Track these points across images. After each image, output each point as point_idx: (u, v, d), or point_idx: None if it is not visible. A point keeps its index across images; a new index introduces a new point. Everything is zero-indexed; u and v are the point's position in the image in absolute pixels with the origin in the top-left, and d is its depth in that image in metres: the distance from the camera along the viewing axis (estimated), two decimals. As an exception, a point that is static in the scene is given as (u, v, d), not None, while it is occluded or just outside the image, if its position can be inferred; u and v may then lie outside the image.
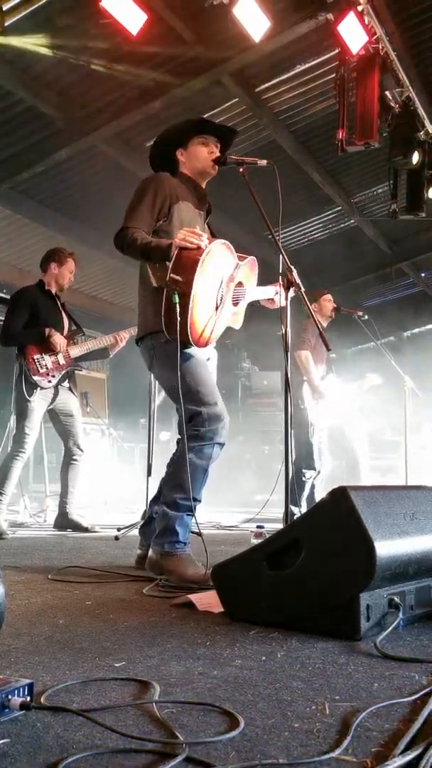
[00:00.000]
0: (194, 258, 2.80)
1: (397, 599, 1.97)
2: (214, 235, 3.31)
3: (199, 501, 3.02)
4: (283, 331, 3.10)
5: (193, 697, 1.41)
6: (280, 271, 3.10)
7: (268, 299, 3.40)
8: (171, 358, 2.93)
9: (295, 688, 1.48)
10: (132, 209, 3.01)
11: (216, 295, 3.00)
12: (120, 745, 1.16)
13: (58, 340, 4.91)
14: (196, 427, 2.95)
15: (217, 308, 3.01)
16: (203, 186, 3.25)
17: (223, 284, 3.04)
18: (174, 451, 3.10)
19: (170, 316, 2.81)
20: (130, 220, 2.99)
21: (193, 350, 2.98)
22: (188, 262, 2.80)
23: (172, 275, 2.79)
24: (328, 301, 5.85)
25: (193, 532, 3.02)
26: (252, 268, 3.28)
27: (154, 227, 3.04)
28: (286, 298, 3.11)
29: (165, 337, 2.92)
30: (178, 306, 2.77)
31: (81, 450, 5.16)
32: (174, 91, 5.95)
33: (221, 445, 2.99)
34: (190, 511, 2.96)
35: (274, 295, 3.37)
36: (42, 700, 1.36)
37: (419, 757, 1.09)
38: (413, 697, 1.41)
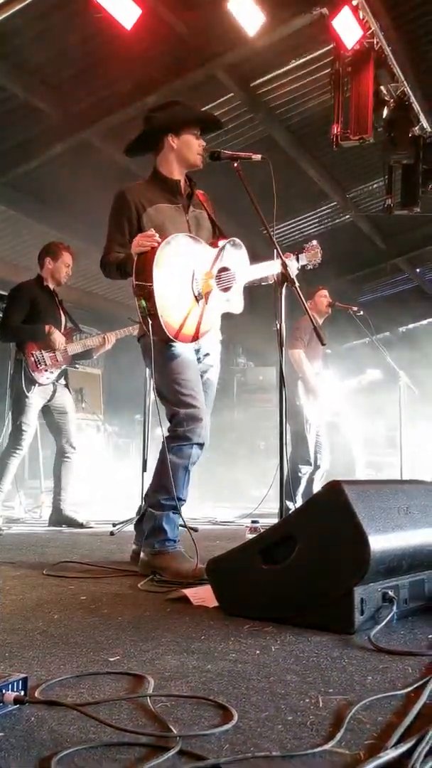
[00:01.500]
0: (149, 259, 2.84)
1: (391, 593, 1.97)
2: (212, 216, 3.28)
3: (184, 500, 3.03)
4: (278, 327, 3.10)
5: (187, 690, 1.42)
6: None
7: (277, 274, 3.22)
8: (158, 358, 2.98)
9: (288, 681, 1.48)
10: (107, 237, 3.13)
11: (189, 287, 2.98)
12: (114, 739, 1.16)
13: (58, 337, 4.91)
14: (174, 427, 2.99)
15: (197, 300, 3.00)
16: (179, 177, 3.19)
17: (196, 274, 3.01)
18: (161, 449, 3.11)
19: (145, 322, 2.88)
20: (105, 249, 3.12)
21: (178, 349, 2.98)
22: (145, 264, 2.85)
23: (135, 283, 2.85)
24: (323, 297, 5.86)
25: (186, 527, 3.03)
26: (238, 248, 3.22)
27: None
28: (281, 294, 3.11)
29: (150, 337, 2.94)
30: (147, 310, 2.84)
31: (73, 448, 5.16)
32: (168, 86, 5.93)
33: (200, 445, 3.00)
34: (174, 509, 2.97)
35: (279, 268, 3.18)
36: (36, 694, 1.36)
37: (412, 750, 1.10)
38: (406, 690, 1.41)
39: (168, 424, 3.02)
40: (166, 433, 3.00)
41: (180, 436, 2.96)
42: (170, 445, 2.97)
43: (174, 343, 2.94)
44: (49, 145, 6.70)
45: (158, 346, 2.94)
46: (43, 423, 5.33)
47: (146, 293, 2.82)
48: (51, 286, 5.11)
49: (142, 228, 3.03)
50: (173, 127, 3.16)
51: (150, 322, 2.84)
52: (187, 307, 2.96)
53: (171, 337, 2.89)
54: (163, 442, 3.02)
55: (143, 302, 2.82)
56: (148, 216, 3.07)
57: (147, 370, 4.57)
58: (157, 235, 2.86)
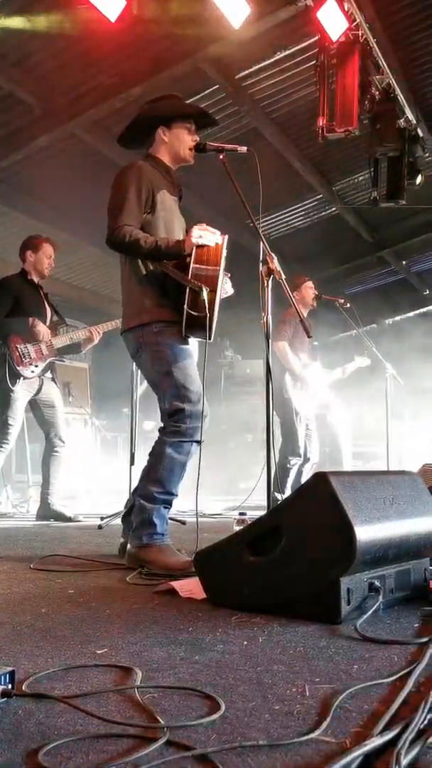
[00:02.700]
0: (216, 253, 2.86)
1: (377, 583, 1.99)
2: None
3: (176, 495, 3.03)
4: (264, 320, 3.11)
5: (174, 682, 1.42)
6: (261, 258, 3.10)
7: None
8: (164, 350, 2.95)
9: (276, 671, 1.49)
10: (120, 204, 2.92)
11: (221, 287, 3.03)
12: (101, 731, 1.16)
13: (42, 329, 4.89)
14: (177, 423, 2.95)
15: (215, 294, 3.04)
16: (174, 171, 3.20)
17: (222, 275, 3.06)
18: (155, 441, 3.08)
19: (197, 310, 2.83)
20: (122, 216, 2.90)
21: (186, 345, 2.98)
22: (210, 257, 2.85)
23: (195, 272, 2.83)
24: (309, 289, 5.86)
25: (176, 520, 3.03)
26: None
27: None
28: (267, 286, 3.11)
29: (155, 327, 2.93)
30: (206, 302, 2.80)
31: (62, 441, 5.14)
32: (154, 78, 5.89)
33: (199, 442, 2.99)
34: (166, 504, 2.97)
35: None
36: (23, 687, 1.37)
37: (397, 737, 1.11)
38: (392, 678, 1.43)
39: (167, 419, 2.99)
40: (168, 428, 2.97)
41: (182, 432, 2.94)
42: (170, 440, 2.94)
43: (188, 340, 2.95)
44: (33, 138, 6.64)
45: (173, 341, 2.94)
46: (30, 417, 5.31)
47: (212, 287, 2.83)
48: (35, 279, 5.09)
49: (156, 209, 3.00)
50: (165, 120, 3.13)
51: (196, 313, 2.83)
52: (218, 306, 2.99)
53: (208, 335, 2.91)
54: (160, 436, 3.01)
55: (205, 294, 2.80)
56: (161, 198, 3.04)
57: (134, 363, 4.56)
58: (218, 232, 2.89)
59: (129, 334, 3.10)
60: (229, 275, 3.27)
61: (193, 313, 2.83)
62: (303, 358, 5.84)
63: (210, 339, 2.99)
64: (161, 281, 2.98)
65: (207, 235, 2.86)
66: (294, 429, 5.65)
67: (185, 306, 2.84)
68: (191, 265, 2.84)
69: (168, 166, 3.17)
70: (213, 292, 2.83)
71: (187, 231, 2.98)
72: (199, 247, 2.85)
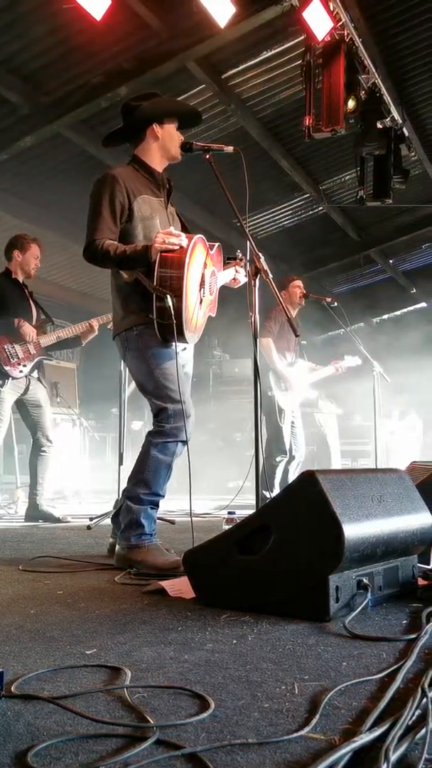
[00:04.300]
0: (180, 258, 2.82)
1: (365, 580, 2.00)
2: (179, 215, 3.31)
3: (163, 496, 3.03)
4: (252, 319, 3.11)
5: (164, 681, 1.42)
6: (248, 257, 3.11)
7: (232, 279, 3.43)
8: (145, 352, 2.96)
9: (265, 669, 1.50)
10: (94, 218, 2.95)
11: (198, 290, 3.02)
12: (91, 731, 1.16)
13: (28, 330, 4.87)
14: (161, 423, 2.96)
15: (201, 302, 3.04)
16: (160, 170, 3.18)
17: (205, 278, 3.06)
18: (144, 442, 3.09)
19: (163, 317, 2.82)
20: (95, 231, 2.92)
21: (173, 349, 2.98)
22: (174, 262, 2.82)
23: (160, 277, 2.81)
24: (297, 288, 5.87)
25: (165, 520, 3.03)
26: (219, 253, 3.30)
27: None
28: (254, 285, 3.11)
29: (136, 330, 2.94)
30: (172, 309, 2.78)
31: (50, 441, 5.13)
32: (140, 78, 5.88)
33: (184, 442, 2.99)
34: (153, 504, 2.97)
35: (235, 274, 3.41)
36: (12, 689, 1.36)
37: (386, 733, 1.11)
38: (380, 675, 1.43)
39: (153, 420, 3.00)
40: (152, 428, 2.98)
41: (166, 432, 2.94)
42: (155, 440, 2.95)
43: (172, 343, 2.94)
44: (19, 137, 6.61)
45: (154, 343, 2.93)
46: (18, 418, 5.29)
47: (176, 293, 2.80)
48: (20, 278, 5.07)
49: (133, 217, 3.00)
50: (158, 117, 3.13)
51: (163, 321, 2.82)
52: (195, 309, 2.99)
53: (186, 339, 2.91)
54: (146, 437, 3.01)
55: (170, 300, 2.78)
56: (138, 205, 3.02)
57: (122, 363, 4.55)
58: (183, 235, 2.86)
59: (117, 339, 3.13)
60: (242, 260, 3.29)
61: (160, 321, 2.84)
62: (288, 356, 5.86)
63: (187, 342, 3.00)
64: (140, 286, 2.97)
65: (172, 239, 2.84)
66: (278, 427, 5.66)
67: (154, 313, 2.84)
68: (156, 271, 2.82)
69: (152, 168, 3.15)
70: (179, 297, 2.81)
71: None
72: (164, 252, 2.83)
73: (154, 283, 2.82)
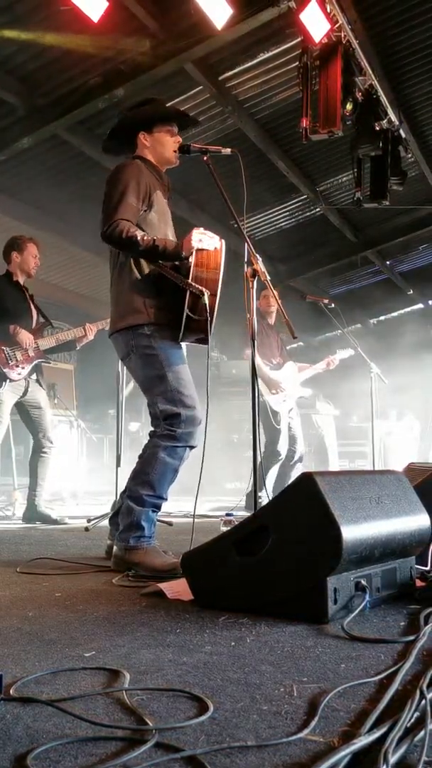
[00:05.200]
0: (216, 259, 2.86)
1: (363, 582, 2.00)
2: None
3: (166, 499, 3.02)
4: (250, 320, 3.11)
5: (163, 683, 1.42)
6: (245, 259, 3.11)
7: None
8: (158, 354, 2.92)
9: (263, 671, 1.50)
10: (118, 199, 2.88)
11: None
12: (90, 734, 1.16)
13: (24, 337, 4.86)
14: (172, 428, 2.92)
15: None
16: (163, 174, 3.21)
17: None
18: (146, 443, 3.05)
19: (197, 314, 2.83)
20: (119, 211, 2.85)
21: (179, 349, 2.98)
22: (210, 262, 2.86)
23: (197, 275, 2.83)
24: (270, 297, 5.89)
25: (163, 521, 3.03)
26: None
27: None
28: (252, 287, 3.12)
29: (148, 329, 2.91)
30: (207, 305, 2.81)
31: (51, 443, 5.13)
32: (137, 79, 5.88)
33: (192, 447, 2.99)
34: (156, 507, 2.96)
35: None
36: (11, 692, 1.36)
37: (385, 735, 1.12)
38: (379, 677, 1.44)
39: (161, 423, 2.95)
40: (161, 431, 2.94)
41: (177, 437, 2.92)
42: (164, 444, 2.92)
43: (181, 344, 2.94)
44: (16, 139, 6.60)
45: (168, 345, 2.93)
46: (15, 420, 5.29)
47: (212, 292, 2.83)
48: (21, 280, 5.06)
49: (153, 208, 2.99)
50: (145, 125, 3.13)
51: (194, 316, 2.82)
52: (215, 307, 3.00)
53: (208, 337, 2.93)
54: (152, 439, 2.98)
55: (206, 298, 2.80)
56: (156, 198, 3.02)
57: (120, 364, 4.55)
58: (216, 237, 2.88)
59: (119, 336, 3.04)
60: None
61: (193, 316, 2.83)
62: (274, 360, 5.90)
63: (208, 343, 2.99)
64: (156, 283, 2.94)
65: (206, 239, 2.85)
66: (274, 429, 5.67)
67: (185, 309, 2.82)
68: (192, 269, 2.83)
69: (159, 169, 3.17)
70: (213, 296, 2.83)
71: (178, 236, 2.99)
72: (199, 250, 2.84)
73: (190, 278, 2.83)
